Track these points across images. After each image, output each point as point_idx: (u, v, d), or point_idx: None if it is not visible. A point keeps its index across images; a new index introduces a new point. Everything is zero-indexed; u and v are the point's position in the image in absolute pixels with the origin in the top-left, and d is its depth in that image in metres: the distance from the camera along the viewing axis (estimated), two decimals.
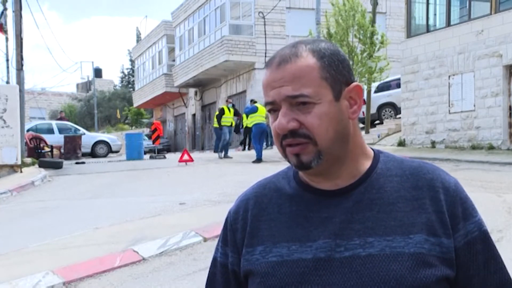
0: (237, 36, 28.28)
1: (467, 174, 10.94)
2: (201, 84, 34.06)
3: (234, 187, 10.08)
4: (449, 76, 17.30)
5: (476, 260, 1.21)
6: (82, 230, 7.36)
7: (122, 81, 68.38)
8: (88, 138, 25.80)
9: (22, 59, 18.42)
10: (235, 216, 1.32)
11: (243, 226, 1.28)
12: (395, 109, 22.40)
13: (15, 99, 15.11)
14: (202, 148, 33.78)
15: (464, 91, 16.80)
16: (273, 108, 1.20)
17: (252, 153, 18.92)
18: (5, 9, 20.05)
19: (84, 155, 24.19)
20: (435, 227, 1.18)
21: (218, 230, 1.45)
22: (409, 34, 19.14)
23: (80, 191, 12.01)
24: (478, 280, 1.22)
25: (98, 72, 53.81)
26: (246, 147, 23.62)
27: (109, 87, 62.48)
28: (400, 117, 20.58)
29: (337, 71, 1.20)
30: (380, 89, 22.93)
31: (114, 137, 28.65)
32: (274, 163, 15.22)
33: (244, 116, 23.96)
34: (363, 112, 20.34)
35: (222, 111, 18.72)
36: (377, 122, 23.36)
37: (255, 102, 18.34)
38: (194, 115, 36.54)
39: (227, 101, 20.33)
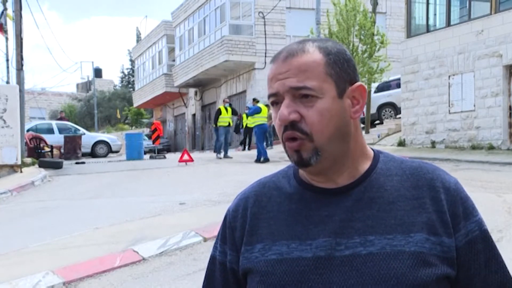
0: (237, 36, 28.28)
1: (467, 174, 10.94)
2: (201, 84, 34.06)
3: (234, 187, 10.08)
4: (449, 76, 17.30)
5: (477, 259, 1.21)
6: (82, 230, 7.36)
7: (122, 81, 68.40)
8: (88, 138, 25.80)
9: (22, 59, 18.42)
10: (234, 214, 1.31)
11: (242, 225, 1.28)
12: (395, 109, 22.41)
13: (15, 99, 15.11)
14: (202, 148, 33.78)
15: (464, 91, 16.80)
16: (276, 100, 1.21)
17: (252, 153, 18.93)
18: (5, 9, 20.06)
19: (84, 155, 24.20)
20: (436, 226, 1.18)
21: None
22: (409, 34, 19.15)
23: (80, 191, 12.01)
24: (479, 279, 1.21)
25: (98, 72, 53.83)
26: (246, 147, 23.63)
27: (109, 87, 62.48)
28: (400, 117, 20.59)
29: (342, 69, 1.21)
30: (380, 89, 22.94)
31: (114, 137, 28.65)
32: (274, 163, 15.24)
33: (244, 116, 24.02)
34: (363, 112, 20.30)
35: (219, 112, 18.67)
36: (377, 122, 23.37)
37: (258, 101, 18.31)
38: (194, 115, 36.54)
39: (224, 101, 20.34)
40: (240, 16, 28.99)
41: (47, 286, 5.17)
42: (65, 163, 18.47)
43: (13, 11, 18.71)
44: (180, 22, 34.66)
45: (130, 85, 62.68)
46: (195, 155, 20.63)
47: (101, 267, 5.64)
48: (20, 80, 18.03)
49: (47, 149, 20.47)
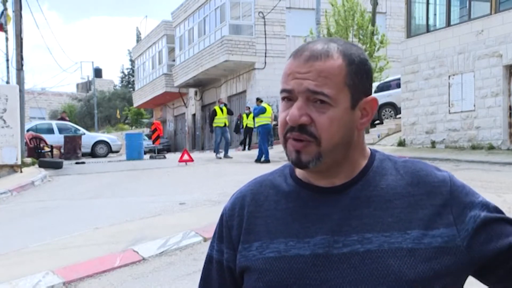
0: (237, 36, 28.28)
1: (467, 174, 10.94)
2: (201, 84, 34.07)
3: (234, 187, 10.06)
4: (449, 76, 17.30)
5: (496, 238, 1.20)
6: (82, 230, 7.36)
7: (122, 81, 68.38)
8: (88, 138, 25.80)
9: (22, 59, 18.42)
10: (230, 213, 1.31)
11: (239, 223, 1.28)
12: (395, 109, 22.40)
13: (15, 99, 15.12)
14: (202, 148, 33.79)
15: (464, 91, 16.80)
16: (288, 96, 1.20)
17: (252, 153, 18.93)
18: (5, 9, 20.04)
19: (84, 155, 24.20)
20: (433, 220, 1.18)
21: None
22: (409, 34, 19.14)
23: (80, 191, 12.01)
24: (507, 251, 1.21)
25: (98, 72, 53.82)
26: (246, 147, 23.63)
27: (109, 87, 62.48)
28: (400, 117, 20.58)
29: (361, 81, 1.21)
30: (380, 89, 22.91)
31: (114, 137, 28.65)
32: (274, 163, 15.24)
33: (244, 116, 24.03)
34: None
35: (214, 112, 18.67)
36: (377, 122, 23.36)
37: (261, 101, 18.28)
38: (194, 115, 36.55)
39: (218, 101, 20.32)
40: (240, 16, 28.99)
41: (47, 286, 5.17)
42: (65, 163, 18.48)
43: (13, 11, 18.70)
44: (180, 22, 34.66)
45: (130, 85, 62.68)
46: (195, 155, 20.64)
47: (101, 267, 5.64)
48: (20, 80, 18.04)
49: (47, 149, 20.47)
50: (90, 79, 50.86)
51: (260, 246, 1.23)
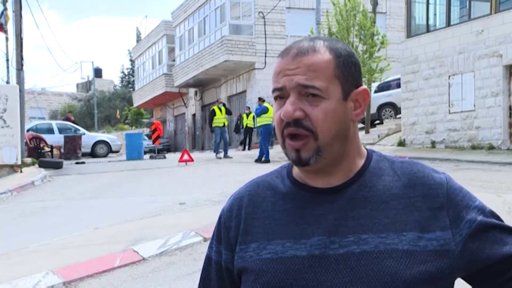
0: (237, 36, 28.28)
1: (467, 174, 10.94)
2: (201, 84, 34.07)
3: (234, 187, 10.04)
4: (449, 76, 17.30)
5: (490, 243, 1.20)
6: (82, 230, 7.36)
7: (122, 81, 68.37)
8: (88, 138, 25.80)
9: (22, 59, 18.43)
10: (228, 214, 1.32)
11: (237, 224, 1.29)
12: (395, 109, 22.40)
13: (15, 99, 15.12)
14: (202, 148, 33.78)
15: (464, 91, 16.80)
16: (280, 95, 1.21)
17: (252, 153, 18.93)
18: (5, 9, 20.06)
19: (84, 155, 24.21)
20: (429, 223, 1.18)
21: None
22: (409, 34, 19.15)
23: (80, 191, 12.02)
24: (506, 258, 1.21)
25: (98, 72, 53.77)
26: (246, 147, 23.63)
27: (109, 87, 62.46)
28: (400, 117, 20.58)
29: (349, 72, 1.22)
30: (380, 89, 22.93)
31: (114, 137, 28.65)
32: (274, 163, 15.24)
33: (244, 116, 24.03)
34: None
35: (213, 112, 18.68)
36: (377, 122, 23.37)
37: (263, 101, 18.26)
38: (194, 115, 36.55)
39: (217, 101, 20.30)
40: (240, 16, 28.99)
41: (47, 286, 5.17)
42: (65, 163, 18.48)
43: (13, 11, 18.71)
44: (180, 22, 34.66)
45: (130, 85, 62.67)
46: (195, 155, 20.64)
47: (101, 267, 5.65)
48: (20, 80, 18.05)
49: (47, 149, 20.49)
50: (90, 79, 50.82)
51: (257, 247, 1.24)
